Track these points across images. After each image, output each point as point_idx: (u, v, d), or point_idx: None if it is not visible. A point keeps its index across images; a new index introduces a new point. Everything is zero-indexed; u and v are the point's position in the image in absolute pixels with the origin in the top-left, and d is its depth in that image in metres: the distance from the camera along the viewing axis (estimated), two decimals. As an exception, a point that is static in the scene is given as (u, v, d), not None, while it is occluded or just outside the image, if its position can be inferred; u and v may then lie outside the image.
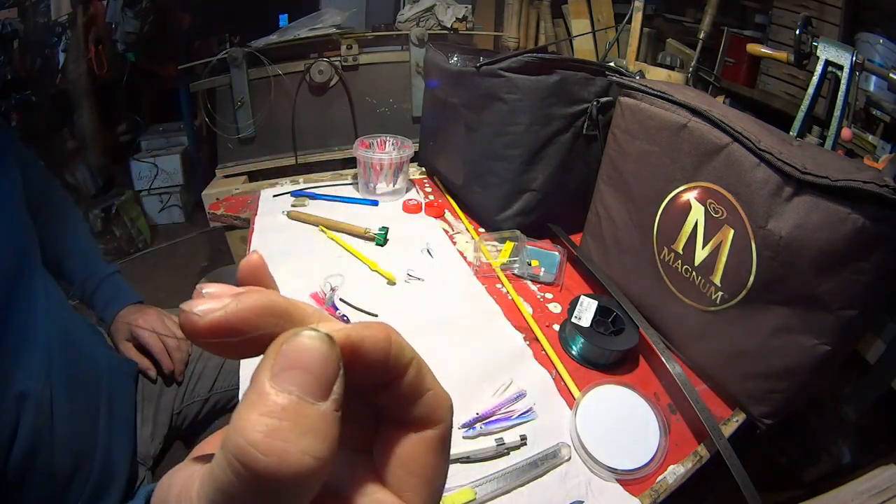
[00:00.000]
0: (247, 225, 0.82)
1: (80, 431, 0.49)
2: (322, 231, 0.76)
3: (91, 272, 0.66)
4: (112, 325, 0.65)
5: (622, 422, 0.49)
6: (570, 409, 0.50)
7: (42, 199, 0.62)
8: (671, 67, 1.03)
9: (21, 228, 0.47)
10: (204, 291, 0.13)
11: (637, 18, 1.12)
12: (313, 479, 0.11)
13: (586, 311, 0.57)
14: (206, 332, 0.12)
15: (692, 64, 1.00)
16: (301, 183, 0.92)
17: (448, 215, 0.84)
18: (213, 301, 0.12)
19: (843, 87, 0.72)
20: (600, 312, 0.58)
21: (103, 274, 0.67)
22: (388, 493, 0.15)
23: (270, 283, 0.15)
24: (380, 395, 0.15)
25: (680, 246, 0.53)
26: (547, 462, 0.45)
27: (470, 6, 1.89)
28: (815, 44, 0.74)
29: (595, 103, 0.70)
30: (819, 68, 0.74)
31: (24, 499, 0.43)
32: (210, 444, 0.16)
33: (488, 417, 0.49)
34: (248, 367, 0.52)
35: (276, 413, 0.11)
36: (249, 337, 0.12)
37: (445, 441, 0.16)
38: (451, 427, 0.16)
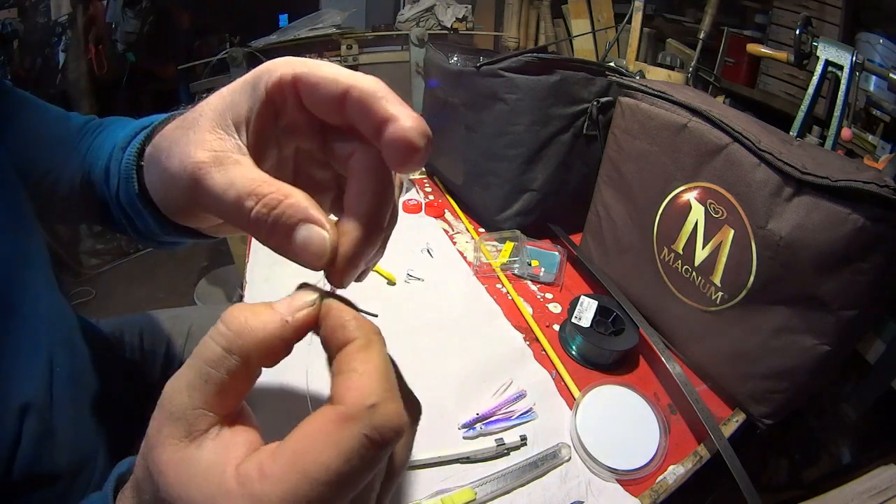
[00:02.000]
0: (247, 225, 0.82)
1: (82, 436, 0.49)
2: (322, 231, 0.76)
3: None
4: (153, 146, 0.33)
5: (622, 422, 0.49)
6: (570, 409, 0.50)
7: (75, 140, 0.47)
8: (671, 67, 1.02)
9: (20, 230, 0.47)
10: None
11: (637, 18, 1.12)
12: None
13: (586, 311, 0.57)
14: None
15: (692, 64, 1.00)
16: (301, 183, 0.92)
17: (448, 215, 0.84)
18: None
19: (843, 87, 0.72)
20: (600, 312, 0.58)
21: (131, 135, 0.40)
22: None
23: None
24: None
25: (680, 246, 0.53)
26: (547, 462, 0.45)
27: (470, 6, 1.89)
28: (815, 44, 0.74)
29: (595, 103, 0.70)
30: (819, 68, 0.74)
31: (27, 502, 0.43)
32: None
33: (488, 418, 0.49)
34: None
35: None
36: None
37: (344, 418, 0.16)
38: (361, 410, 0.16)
